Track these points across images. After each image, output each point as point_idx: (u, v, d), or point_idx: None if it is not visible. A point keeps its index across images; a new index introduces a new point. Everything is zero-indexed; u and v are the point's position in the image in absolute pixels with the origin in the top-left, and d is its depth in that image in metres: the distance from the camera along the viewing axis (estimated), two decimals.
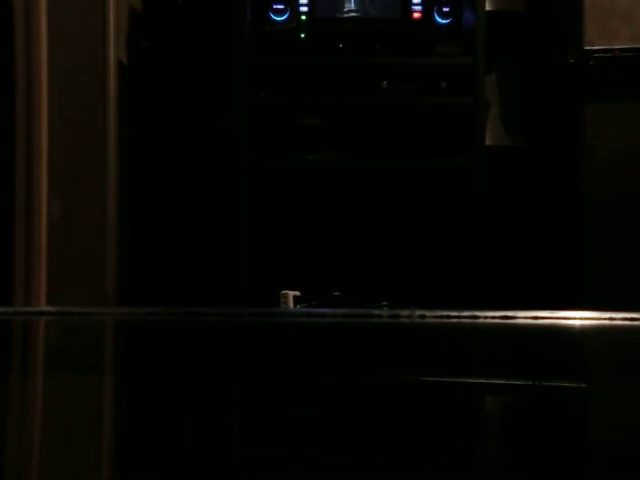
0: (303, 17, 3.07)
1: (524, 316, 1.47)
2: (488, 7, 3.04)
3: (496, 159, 3.06)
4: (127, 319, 1.71)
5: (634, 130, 2.82)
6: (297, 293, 2.77)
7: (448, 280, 3.05)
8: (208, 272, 3.19)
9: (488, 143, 3.03)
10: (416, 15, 3.08)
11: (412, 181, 3.13)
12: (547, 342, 1.43)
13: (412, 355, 1.31)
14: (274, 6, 3.06)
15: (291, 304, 2.74)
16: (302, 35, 3.06)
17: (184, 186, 3.27)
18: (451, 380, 1.14)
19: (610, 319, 1.48)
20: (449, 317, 1.49)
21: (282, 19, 3.06)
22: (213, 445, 0.79)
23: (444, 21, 3.06)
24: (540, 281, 3.05)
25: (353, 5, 3.09)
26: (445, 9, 3.06)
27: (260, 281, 3.02)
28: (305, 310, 2.56)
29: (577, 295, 2.82)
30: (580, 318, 1.52)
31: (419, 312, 1.49)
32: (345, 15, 3.10)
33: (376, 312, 1.81)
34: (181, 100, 3.24)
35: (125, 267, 3.00)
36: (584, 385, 1.16)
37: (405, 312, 1.51)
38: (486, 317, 1.48)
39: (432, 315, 1.49)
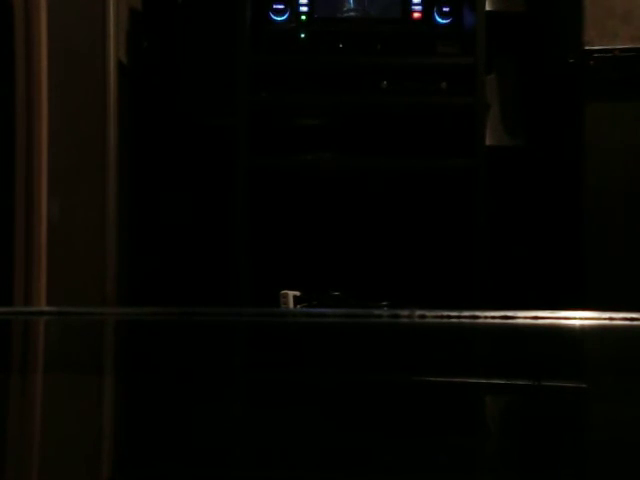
0: (303, 17, 3.07)
1: (524, 316, 1.47)
2: (488, 7, 3.05)
3: (496, 159, 3.06)
4: (127, 319, 1.71)
5: (634, 130, 2.82)
6: (297, 293, 2.77)
7: (448, 280, 3.05)
8: (208, 272, 3.19)
9: (488, 143, 3.03)
10: (416, 15, 3.08)
11: (412, 181, 3.13)
12: (547, 342, 1.43)
13: (412, 355, 1.31)
14: (274, 6, 3.06)
15: (291, 304, 2.74)
16: (302, 35, 3.06)
17: (184, 186, 3.27)
18: (451, 380, 1.14)
19: (610, 319, 1.48)
20: (449, 317, 1.49)
21: (282, 19, 3.06)
22: (213, 445, 0.79)
23: (444, 21, 3.06)
24: (540, 281, 3.05)
25: (353, 5, 3.09)
26: (445, 9, 3.06)
27: (260, 281, 3.02)
28: (305, 310, 2.56)
29: (578, 295, 2.82)
30: (580, 318, 1.52)
31: (419, 312, 1.49)
32: (345, 15, 3.10)
33: (376, 312, 1.81)
34: (181, 100, 3.24)
35: (125, 267, 3.00)
36: (584, 385, 1.16)
37: (405, 312, 1.51)
38: (486, 317, 1.48)
39: (432, 315, 1.49)
